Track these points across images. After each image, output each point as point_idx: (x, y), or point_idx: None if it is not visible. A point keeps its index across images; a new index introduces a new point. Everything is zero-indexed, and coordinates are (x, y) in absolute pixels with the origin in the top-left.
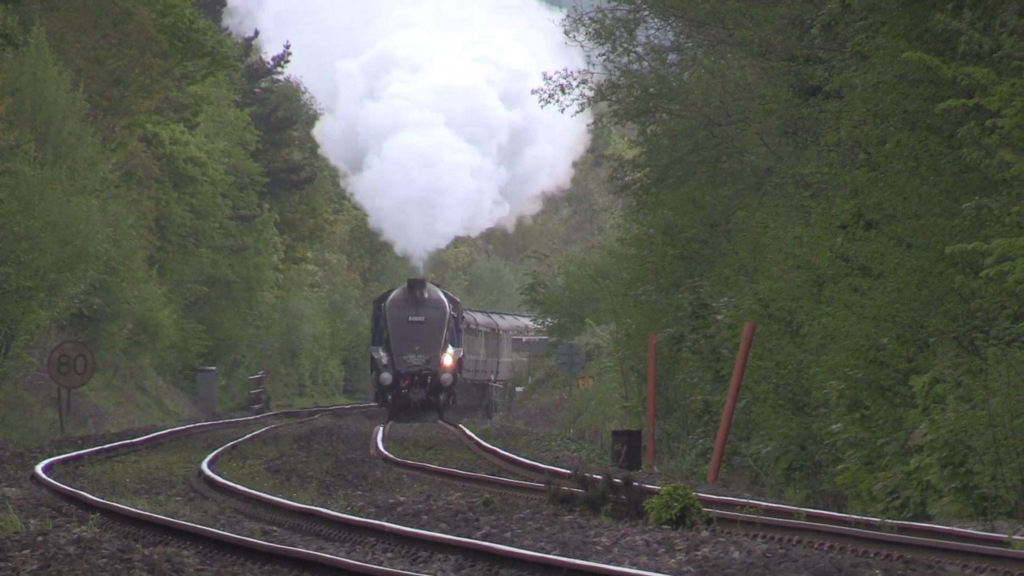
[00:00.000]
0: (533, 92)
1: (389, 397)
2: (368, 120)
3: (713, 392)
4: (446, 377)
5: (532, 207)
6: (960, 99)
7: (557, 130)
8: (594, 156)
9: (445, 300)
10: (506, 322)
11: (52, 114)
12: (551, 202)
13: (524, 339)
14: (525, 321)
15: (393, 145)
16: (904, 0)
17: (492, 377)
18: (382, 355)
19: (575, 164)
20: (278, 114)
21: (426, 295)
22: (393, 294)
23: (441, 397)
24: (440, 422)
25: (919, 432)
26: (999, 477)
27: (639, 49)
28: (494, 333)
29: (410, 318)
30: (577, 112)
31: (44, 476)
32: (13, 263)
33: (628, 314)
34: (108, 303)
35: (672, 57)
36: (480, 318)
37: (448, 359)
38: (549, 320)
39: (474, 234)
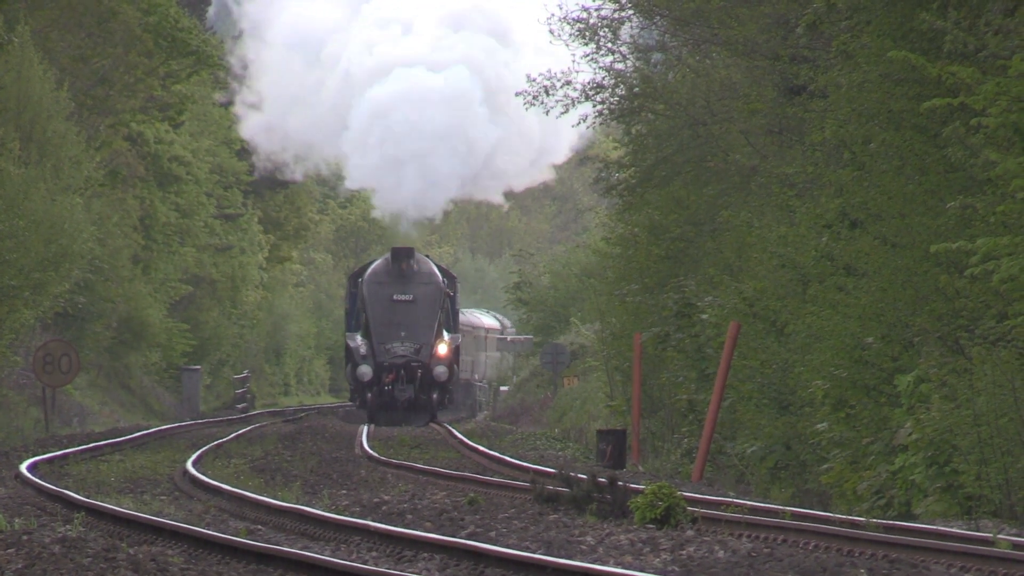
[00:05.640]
0: (517, 95)
1: (369, 395)
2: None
3: (698, 391)
4: (440, 370)
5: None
6: (945, 98)
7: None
8: (579, 156)
9: (438, 274)
10: (486, 320)
11: (37, 113)
12: (536, 199)
13: (509, 338)
14: (501, 320)
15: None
16: (889, 0)
17: (476, 376)
18: (360, 343)
19: (559, 166)
20: None
21: (415, 267)
22: (373, 267)
23: (434, 395)
24: (434, 426)
25: (904, 431)
26: (984, 476)
27: (624, 48)
28: (476, 331)
29: (395, 296)
30: (562, 114)
31: (29, 475)
32: None
33: (613, 313)
34: (93, 302)
35: (657, 56)
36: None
37: (443, 348)
38: (533, 316)
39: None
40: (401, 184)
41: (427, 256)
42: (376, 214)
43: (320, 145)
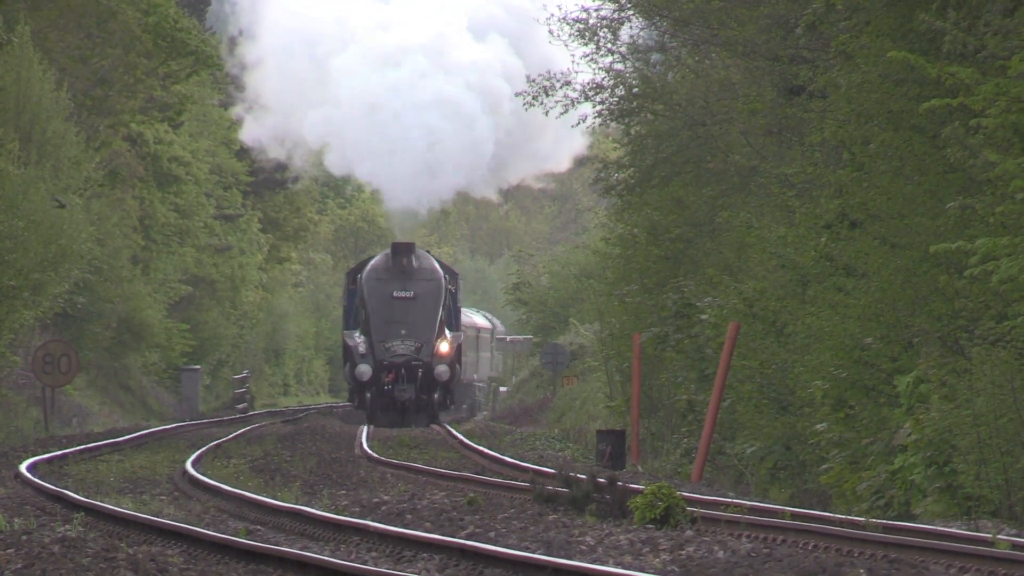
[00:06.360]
0: (517, 95)
1: (368, 395)
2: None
3: (697, 391)
4: (442, 369)
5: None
6: (944, 99)
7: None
8: (579, 158)
9: (439, 270)
10: (479, 320)
11: (36, 113)
12: (536, 200)
13: (508, 338)
14: (492, 320)
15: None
16: (888, 0)
17: (475, 376)
18: (359, 341)
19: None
20: None
21: (415, 263)
22: (372, 263)
23: (436, 395)
24: (434, 427)
25: (903, 432)
26: (983, 477)
27: (623, 49)
28: (470, 331)
29: (395, 293)
30: (562, 114)
31: (28, 475)
32: None
33: (612, 313)
34: (92, 302)
35: (656, 57)
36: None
37: (445, 346)
38: (532, 316)
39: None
40: (407, 173)
41: (428, 252)
42: (385, 206)
43: (325, 139)
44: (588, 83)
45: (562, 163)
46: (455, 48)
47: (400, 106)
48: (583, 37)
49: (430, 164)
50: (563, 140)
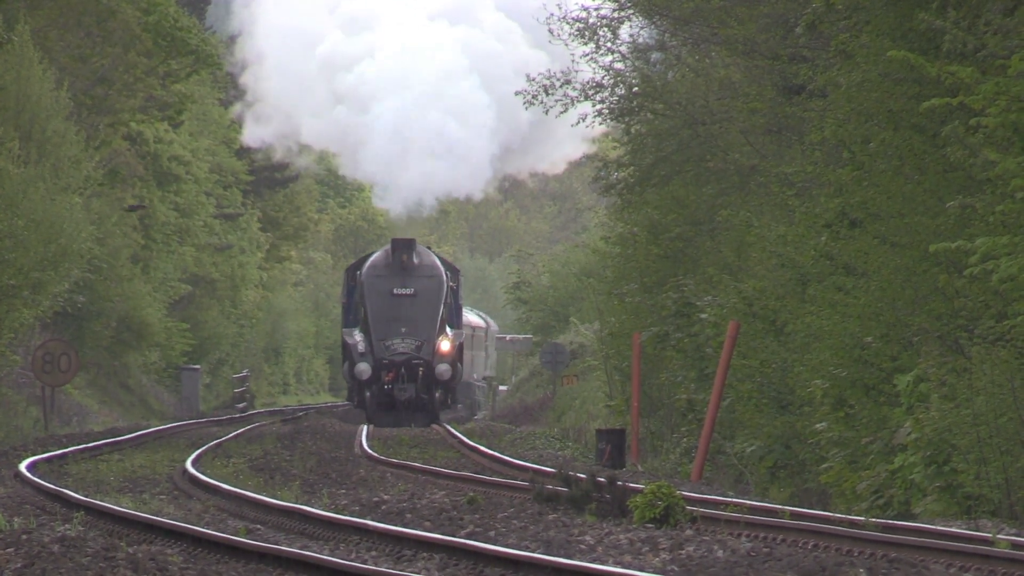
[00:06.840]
0: (517, 94)
1: (368, 394)
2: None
3: (697, 391)
4: (443, 368)
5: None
6: (944, 98)
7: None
8: (579, 155)
9: (440, 266)
10: (472, 318)
11: (36, 112)
12: (536, 199)
13: (508, 337)
14: (486, 319)
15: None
16: None
17: (475, 375)
18: (358, 339)
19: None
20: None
21: (416, 260)
22: (372, 259)
23: (437, 394)
24: (434, 426)
25: (903, 431)
26: (983, 476)
27: (623, 48)
28: (469, 329)
29: (395, 290)
30: (562, 112)
31: (28, 474)
32: None
33: (612, 313)
34: (92, 301)
35: (656, 56)
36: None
37: (446, 344)
38: (532, 315)
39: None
40: (419, 169)
41: (429, 248)
42: (387, 205)
43: (330, 135)
44: (588, 82)
45: (558, 165)
46: (475, 41)
47: (410, 95)
48: (583, 36)
49: (442, 150)
50: (566, 143)
